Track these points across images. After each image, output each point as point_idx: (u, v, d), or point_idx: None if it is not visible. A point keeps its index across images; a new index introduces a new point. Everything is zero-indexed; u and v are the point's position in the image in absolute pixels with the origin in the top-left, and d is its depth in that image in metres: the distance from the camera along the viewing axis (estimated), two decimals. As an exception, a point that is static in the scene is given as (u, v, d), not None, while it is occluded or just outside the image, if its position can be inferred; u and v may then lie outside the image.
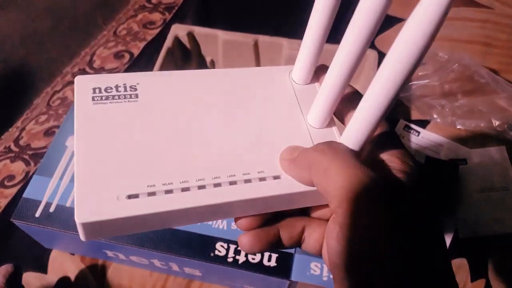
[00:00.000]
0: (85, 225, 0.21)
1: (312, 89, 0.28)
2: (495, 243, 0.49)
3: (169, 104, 0.25)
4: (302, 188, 0.23)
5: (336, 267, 0.21)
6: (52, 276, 0.48)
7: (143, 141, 0.24)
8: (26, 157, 0.58)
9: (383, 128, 0.24)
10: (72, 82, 0.67)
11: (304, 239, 0.26)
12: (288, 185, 0.24)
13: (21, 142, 0.60)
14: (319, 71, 0.28)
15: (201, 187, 0.23)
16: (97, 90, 0.25)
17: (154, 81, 0.26)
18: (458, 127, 0.58)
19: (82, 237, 0.22)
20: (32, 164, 0.57)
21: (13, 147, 0.60)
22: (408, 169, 0.22)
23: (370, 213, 0.20)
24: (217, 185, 0.23)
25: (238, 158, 0.24)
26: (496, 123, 0.57)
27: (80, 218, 0.21)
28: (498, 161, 0.55)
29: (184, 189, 0.22)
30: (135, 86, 0.26)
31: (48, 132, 0.61)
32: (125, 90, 0.25)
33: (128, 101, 0.25)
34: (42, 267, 0.48)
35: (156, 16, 0.76)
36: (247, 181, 0.23)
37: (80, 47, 0.73)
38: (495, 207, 0.51)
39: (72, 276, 0.48)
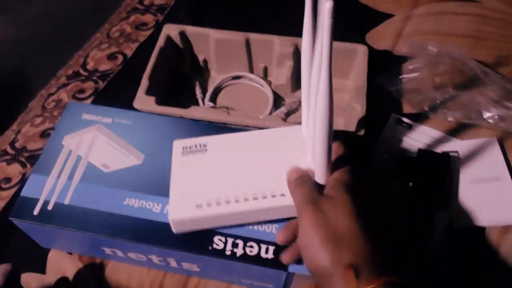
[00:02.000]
0: (173, 220, 0.40)
1: None
2: (488, 233, 0.50)
3: (223, 154, 0.43)
4: None
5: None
6: (51, 276, 0.48)
7: (206, 175, 0.42)
8: (22, 159, 0.59)
9: (339, 152, 0.39)
10: (66, 84, 0.67)
11: None
12: (289, 199, 0.39)
13: (17, 145, 0.60)
14: None
15: (236, 201, 0.40)
16: (185, 148, 0.44)
17: (216, 141, 0.44)
18: (449, 120, 0.58)
19: (173, 229, 0.41)
20: (28, 166, 0.58)
21: (9, 150, 0.60)
22: (349, 181, 0.37)
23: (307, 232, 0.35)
24: (246, 200, 0.40)
25: (259, 186, 0.40)
26: (486, 114, 0.57)
27: (171, 215, 0.40)
28: (489, 153, 0.55)
29: (227, 202, 0.40)
30: (206, 144, 0.44)
31: (44, 134, 0.61)
32: (200, 147, 0.44)
33: (201, 153, 0.43)
34: (40, 268, 0.49)
35: (149, 18, 0.77)
36: (264, 197, 0.40)
37: (74, 51, 0.73)
38: (487, 198, 0.52)
39: (70, 275, 0.48)
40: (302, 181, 0.39)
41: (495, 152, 0.55)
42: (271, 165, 0.42)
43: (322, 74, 0.31)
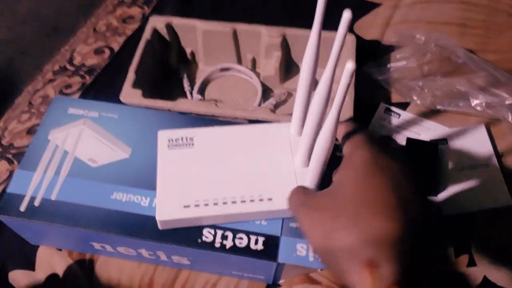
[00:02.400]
0: (161, 221, 0.39)
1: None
2: (477, 219, 0.50)
3: (211, 150, 0.42)
4: (284, 206, 0.38)
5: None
6: (40, 273, 0.48)
7: (194, 173, 0.41)
8: (10, 156, 0.58)
9: (350, 127, 0.35)
10: (52, 80, 0.67)
11: None
12: (276, 204, 0.40)
13: (4, 142, 0.60)
14: None
15: (224, 203, 0.40)
16: (170, 140, 0.43)
17: (203, 135, 0.43)
18: (437, 108, 0.59)
19: (160, 227, 0.40)
20: (16, 163, 0.57)
21: (-5, 147, 0.59)
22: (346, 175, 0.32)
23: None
24: (233, 202, 0.40)
25: (247, 188, 0.40)
26: (474, 102, 0.57)
27: (159, 217, 0.39)
28: (477, 139, 0.55)
29: (215, 204, 0.39)
30: (192, 138, 0.43)
31: (31, 131, 0.61)
32: (187, 140, 0.43)
33: (188, 147, 0.42)
34: (29, 265, 0.48)
35: (135, 11, 0.76)
36: (252, 201, 0.40)
37: (61, 46, 0.72)
38: (476, 184, 0.52)
39: (60, 272, 0.48)
40: (292, 192, 0.36)
41: (483, 139, 0.55)
42: (259, 164, 0.41)
43: (330, 116, 0.32)
